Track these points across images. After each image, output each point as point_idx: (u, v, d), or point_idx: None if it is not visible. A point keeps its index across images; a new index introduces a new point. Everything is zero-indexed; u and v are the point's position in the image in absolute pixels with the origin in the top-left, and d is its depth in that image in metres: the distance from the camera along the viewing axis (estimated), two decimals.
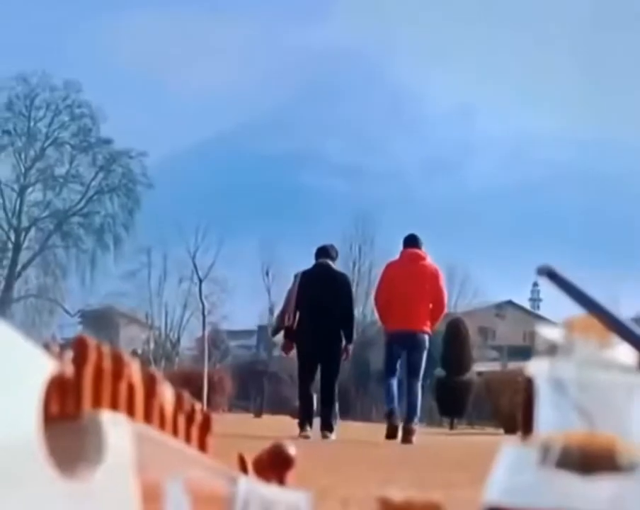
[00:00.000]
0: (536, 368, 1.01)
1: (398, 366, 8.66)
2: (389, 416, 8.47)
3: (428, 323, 8.62)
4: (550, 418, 0.84)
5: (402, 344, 8.56)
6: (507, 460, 0.70)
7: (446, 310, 9.55)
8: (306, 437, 8.43)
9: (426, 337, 8.63)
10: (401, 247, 9.08)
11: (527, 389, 1.03)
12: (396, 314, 8.53)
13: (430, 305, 8.67)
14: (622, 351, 1.02)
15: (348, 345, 8.68)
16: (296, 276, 8.98)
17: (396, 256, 9.28)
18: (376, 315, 9.52)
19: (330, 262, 8.90)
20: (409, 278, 8.52)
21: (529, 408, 0.97)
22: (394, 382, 8.56)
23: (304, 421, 8.55)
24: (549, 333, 1.19)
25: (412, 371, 8.54)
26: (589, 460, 0.72)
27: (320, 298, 8.43)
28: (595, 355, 1.02)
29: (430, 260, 9.02)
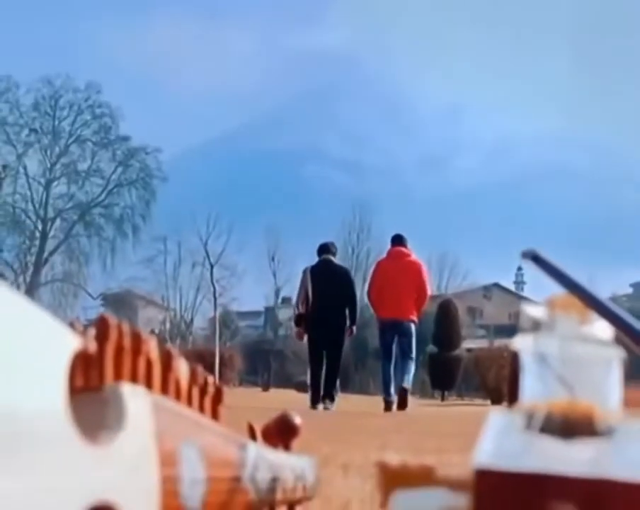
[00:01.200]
0: (521, 343, 1.01)
1: (393, 349, 9.02)
2: (386, 400, 8.90)
3: (414, 312, 9.00)
4: (534, 388, 0.84)
5: (393, 330, 8.97)
6: (495, 426, 0.70)
7: (430, 295, 9.78)
8: (316, 407, 8.75)
9: (412, 325, 9.03)
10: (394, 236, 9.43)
11: (512, 363, 1.03)
12: (386, 304, 8.90)
13: (415, 295, 9.05)
14: (600, 327, 1.02)
15: (352, 325, 9.02)
16: (304, 271, 9.25)
17: (386, 253, 9.66)
18: (370, 306, 9.82)
19: (331, 257, 9.18)
20: (397, 273, 8.86)
21: (514, 379, 0.97)
22: (390, 367, 8.95)
23: (315, 400, 8.89)
24: (532, 311, 1.18)
25: (403, 354, 8.95)
26: (570, 426, 0.72)
27: (325, 290, 8.75)
28: (576, 330, 1.02)
29: (414, 256, 9.33)
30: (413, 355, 9.06)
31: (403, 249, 9.19)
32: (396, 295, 8.79)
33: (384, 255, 9.65)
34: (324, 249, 9.23)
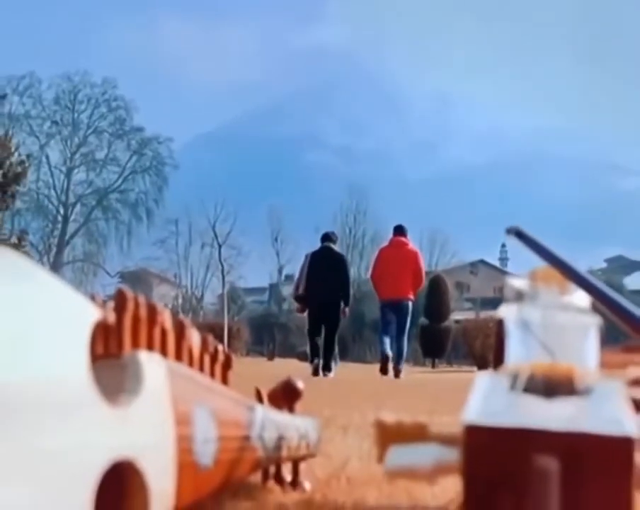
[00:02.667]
0: (507, 312, 1.01)
1: (391, 326, 9.32)
2: (382, 358, 9.24)
3: (411, 293, 9.36)
4: (518, 352, 0.84)
5: (392, 309, 9.32)
6: (482, 387, 0.70)
7: (424, 281, 10.06)
8: (317, 375, 8.92)
9: (409, 304, 9.38)
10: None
11: (498, 330, 1.03)
12: (387, 286, 9.27)
13: (412, 279, 9.38)
14: (578, 296, 1.02)
15: (346, 307, 9.29)
16: (306, 256, 9.57)
17: (387, 239, 10.00)
18: (372, 286, 10.18)
19: (331, 245, 9.47)
20: (396, 259, 9.22)
21: (500, 345, 0.97)
22: (387, 339, 9.28)
23: (316, 366, 9.10)
24: (516, 282, 1.19)
25: (399, 329, 9.30)
26: (551, 386, 0.72)
27: (324, 273, 9.08)
28: (556, 300, 1.02)
29: (411, 245, 9.70)
30: (406, 330, 9.42)
31: (402, 239, 9.56)
32: (396, 278, 9.16)
33: (386, 242, 9.91)
34: (326, 238, 9.56)
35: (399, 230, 9.64)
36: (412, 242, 9.95)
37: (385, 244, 9.88)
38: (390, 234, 9.92)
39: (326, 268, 9.12)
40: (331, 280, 9.07)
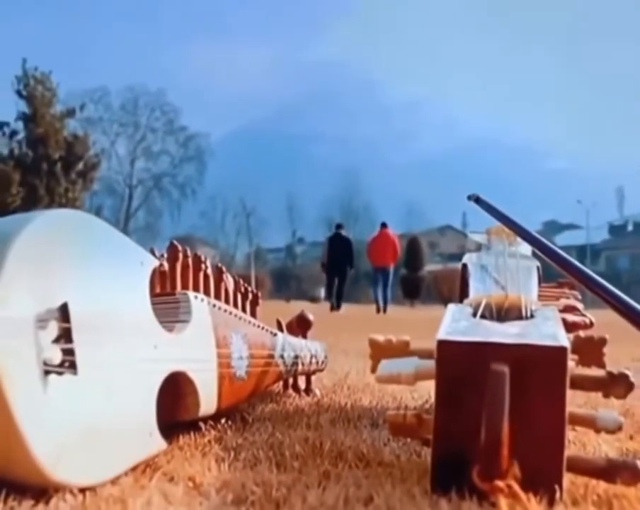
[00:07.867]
0: (469, 259, 1.01)
1: (379, 282, 10.68)
2: (376, 303, 10.57)
3: (392, 262, 10.80)
4: (478, 288, 0.84)
5: (380, 272, 10.75)
6: (451, 314, 0.70)
7: (399, 255, 11.50)
8: (333, 310, 9.94)
9: (391, 269, 10.85)
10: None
11: (462, 272, 1.02)
12: (376, 258, 10.75)
13: (392, 254, 10.79)
14: (523, 246, 1.02)
15: (351, 268, 10.75)
16: (326, 239, 10.91)
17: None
18: (367, 257, 11.27)
19: (342, 231, 10.81)
20: (382, 244, 10.71)
21: (464, 283, 0.97)
22: (378, 291, 10.66)
23: (332, 301, 10.51)
24: (476, 236, 1.18)
25: (384, 284, 10.79)
26: (503, 312, 0.72)
27: (337, 249, 10.51)
28: (506, 249, 1.01)
29: (392, 234, 10.97)
30: (389, 284, 10.87)
31: (386, 230, 10.89)
32: (381, 254, 10.66)
33: (376, 233, 11.06)
34: (338, 226, 10.96)
35: (384, 225, 11.03)
36: (393, 228, 11.28)
37: (375, 234, 11.10)
38: (377, 217, 11.57)
39: (338, 246, 10.59)
40: (342, 254, 10.58)
